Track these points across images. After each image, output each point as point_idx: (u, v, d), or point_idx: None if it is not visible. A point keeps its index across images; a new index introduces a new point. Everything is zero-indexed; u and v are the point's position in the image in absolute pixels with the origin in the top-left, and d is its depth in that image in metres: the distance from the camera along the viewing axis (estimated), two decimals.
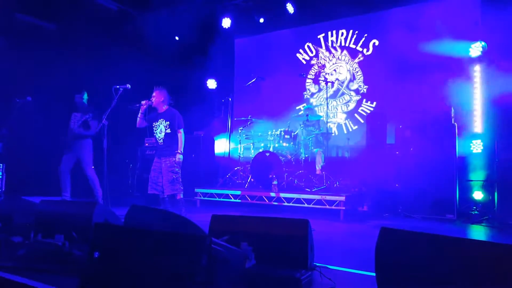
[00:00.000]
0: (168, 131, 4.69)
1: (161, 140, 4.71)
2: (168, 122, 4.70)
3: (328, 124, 7.17)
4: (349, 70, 7.68)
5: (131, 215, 2.59)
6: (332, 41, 7.92)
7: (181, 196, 4.65)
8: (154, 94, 4.73)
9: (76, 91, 5.62)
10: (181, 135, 4.66)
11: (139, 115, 4.66)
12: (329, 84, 7.39)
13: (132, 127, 4.89)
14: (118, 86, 4.55)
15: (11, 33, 6.40)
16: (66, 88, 5.91)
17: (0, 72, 5.77)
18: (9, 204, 3.32)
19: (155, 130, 4.78)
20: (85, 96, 5.63)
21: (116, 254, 1.82)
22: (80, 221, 2.67)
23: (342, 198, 5.19)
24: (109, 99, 4.59)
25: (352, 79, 7.63)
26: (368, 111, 7.34)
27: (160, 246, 1.73)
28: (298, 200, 5.57)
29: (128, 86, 4.57)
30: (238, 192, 6.16)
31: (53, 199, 5.03)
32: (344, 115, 7.67)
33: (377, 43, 7.41)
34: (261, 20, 8.00)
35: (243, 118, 7.19)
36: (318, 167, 6.41)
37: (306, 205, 5.48)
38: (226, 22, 8.04)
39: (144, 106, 4.61)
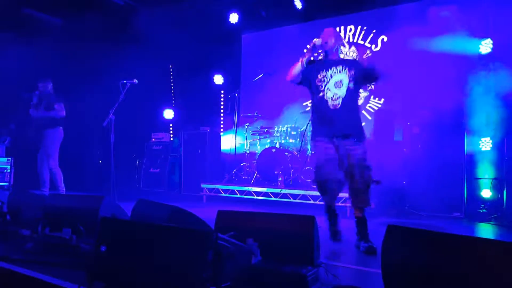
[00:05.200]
0: (351, 86, 2.98)
1: (339, 102, 2.93)
2: (353, 71, 2.97)
3: None
4: None
5: (137, 210, 2.61)
6: None
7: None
8: (326, 34, 3.07)
9: (80, 86, 5.58)
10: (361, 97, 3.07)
11: (301, 61, 3.15)
12: None
13: (139, 122, 4.89)
14: (125, 81, 4.55)
15: (17, 27, 6.45)
16: (73, 82, 5.94)
17: (7, 67, 5.81)
18: (17, 197, 3.35)
19: (322, 87, 3.05)
20: (50, 85, 5.32)
21: (122, 248, 1.83)
22: (87, 215, 2.70)
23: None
24: (116, 94, 4.61)
25: None
26: (376, 108, 7.28)
27: (166, 241, 1.73)
28: (304, 197, 5.55)
29: (135, 81, 4.58)
30: (244, 188, 6.16)
31: (60, 193, 5.10)
32: None
33: (385, 39, 7.33)
34: (269, 16, 7.97)
35: (249, 114, 7.17)
36: None
37: (312, 201, 5.47)
38: (234, 17, 8.00)
39: (319, 50, 3.06)
